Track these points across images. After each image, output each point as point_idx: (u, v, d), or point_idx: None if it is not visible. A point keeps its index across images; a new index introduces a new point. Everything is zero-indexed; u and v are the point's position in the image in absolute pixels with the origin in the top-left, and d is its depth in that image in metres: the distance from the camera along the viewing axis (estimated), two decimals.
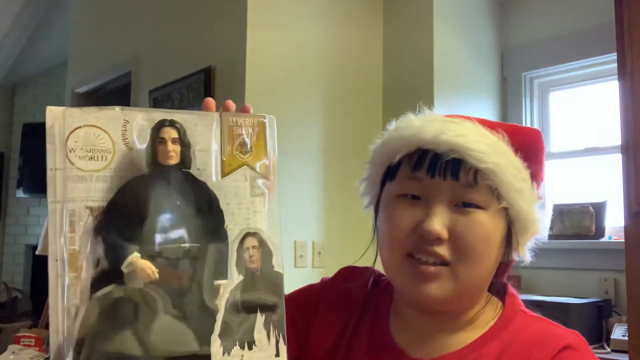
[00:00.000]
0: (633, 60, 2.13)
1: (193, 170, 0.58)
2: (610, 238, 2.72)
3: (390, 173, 0.80)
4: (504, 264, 0.82)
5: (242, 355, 0.57)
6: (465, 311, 0.80)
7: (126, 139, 0.56)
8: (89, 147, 0.54)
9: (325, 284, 0.92)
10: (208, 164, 0.58)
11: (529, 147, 0.79)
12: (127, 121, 0.56)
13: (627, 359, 2.08)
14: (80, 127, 0.55)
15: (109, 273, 0.54)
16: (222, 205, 0.58)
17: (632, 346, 2.06)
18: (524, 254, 0.81)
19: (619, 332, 2.31)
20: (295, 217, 2.74)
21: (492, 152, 0.75)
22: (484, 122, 0.79)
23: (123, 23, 3.64)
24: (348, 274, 0.93)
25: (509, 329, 0.79)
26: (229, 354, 0.56)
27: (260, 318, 0.58)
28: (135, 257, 0.54)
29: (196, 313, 0.55)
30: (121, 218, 0.54)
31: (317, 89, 2.88)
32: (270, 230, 0.59)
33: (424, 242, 0.74)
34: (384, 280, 0.92)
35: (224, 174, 0.59)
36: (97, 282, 0.53)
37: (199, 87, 2.84)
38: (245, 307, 0.58)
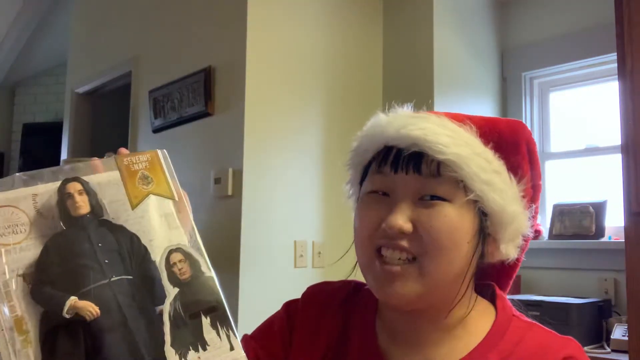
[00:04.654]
0: (633, 60, 2.13)
1: (107, 218, 0.63)
2: (610, 238, 2.72)
3: (362, 173, 0.80)
4: (508, 267, 0.80)
5: (199, 357, 0.60)
6: (441, 309, 0.77)
7: (38, 208, 0.61)
8: (6, 224, 0.59)
9: (293, 309, 0.90)
10: (121, 210, 0.63)
11: (503, 139, 0.77)
12: (36, 194, 0.62)
13: (627, 359, 2.08)
14: None
15: (55, 324, 0.58)
16: (144, 239, 0.63)
17: (632, 346, 2.06)
18: (509, 251, 0.77)
19: (619, 332, 2.31)
20: (295, 217, 2.74)
21: (453, 143, 0.73)
22: (455, 116, 0.78)
23: (123, 23, 3.64)
24: (316, 291, 0.91)
25: (506, 339, 0.77)
26: (185, 359, 0.60)
27: (205, 320, 0.62)
28: (73, 300, 0.58)
29: (145, 333, 0.59)
30: (51, 274, 0.59)
31: (316, 88, 2.88)
32: (191, 242, 0.65)
33: (388, 236, 0.73)
34: (366, 289, 0.89)
35: (133, 207, 0.64)
36: (46, 337, 0.57)
37: (199, 87, 2.84)
38: (189, 315, 0.61)
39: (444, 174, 0.73)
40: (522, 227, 0.77)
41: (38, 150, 5.24)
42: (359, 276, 0.90)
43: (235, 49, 2.70)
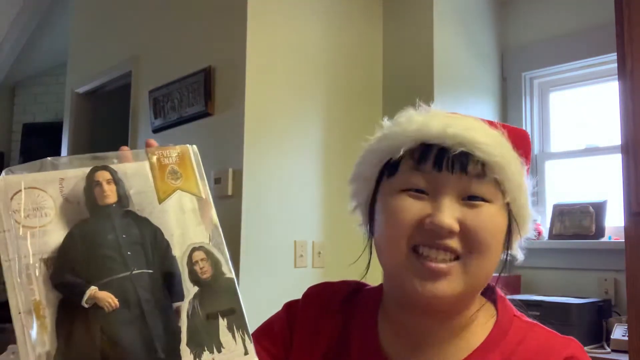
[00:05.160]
0: (633, 60, 2.13)
1: (132, 209, 0.63)
2: (610, 238, 2.72)
3: (389, 169, 0.78)
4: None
5: (213, 358, 0.60)
6: (462, 311, 0.78)
7: (64, 193, 0.61)
8: (32, 207, 0.59)
9: (293, 310, 0.89)
10: (146, 202, 0.63)
11: (518, 146, 0.79)
12: (63, 179, 0.61)
13: (627, 359, 2.08)
14: (19, 190, 0.59)
15: (72, 312, 0.57)
16: (166, 233, 0.62)
17: (632, 346, 2.06)
18: (517, 252, 0.80)
19: (619, 332, 2.31)
20: (295, 217, 2.74)
21: (497, 145, 0.75)
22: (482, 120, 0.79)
23: (123, 23, 3.64)
24: (317, 292, 0.91)
25: (507, 339, 0.78)
26: (200, 359, 0.59)
27: (222, 322, 0.61)
28: (93, 290, 0.58)
29: (161, 331, 0.59)
30: (73, 261, 0.59)
31: (317, 89, 2.88)
32: (213, 241, 0.64)
33: (433, 236, 0.72)
34: (367, 289, 0.90)
35: (160, 201, 0.64)
36: (62, 324, 0.57)
37: (199, 87, 2.84)
38: (206, 315, 0.61)
39: (488, 174, 0.74)
40: (529, 230, 0.80)
41: (38, 150, 5.24)
42: (370, 276, 0.89)
43: (235, 49, 2.70)
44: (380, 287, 0.88)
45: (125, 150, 0.65)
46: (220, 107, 2.78)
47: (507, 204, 0.76)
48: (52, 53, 5.25)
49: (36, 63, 5.49)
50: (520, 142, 0.79)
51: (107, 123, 4.12)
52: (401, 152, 0.75)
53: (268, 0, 2.75)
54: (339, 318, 0.86)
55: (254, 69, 2.65)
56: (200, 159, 0.68)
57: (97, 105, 4.16)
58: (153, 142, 0.68)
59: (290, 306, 0.91)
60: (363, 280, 0.92)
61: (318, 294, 0.90)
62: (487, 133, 0.75)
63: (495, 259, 0.76)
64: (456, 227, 0.72)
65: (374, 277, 0.86)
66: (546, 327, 0.80)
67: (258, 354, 0.84)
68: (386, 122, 0.81)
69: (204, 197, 0.66)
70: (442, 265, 0.72)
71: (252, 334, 0.88)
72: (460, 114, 0.79)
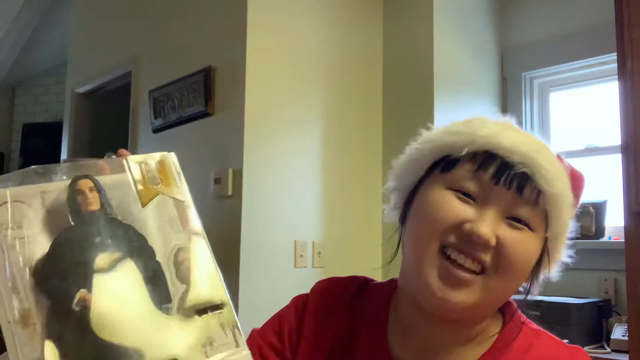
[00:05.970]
0: (633, 60, 2.13)
1: (115, 217, 0.64)
2: (610, 238, 2.72)
3: (445, 164, 0.77)
4: None
5: (205, 353, 0.61)
6: (476, 323, 0.78)
7: (46, 205, 0.62)
8: (18, 218, 0.60)
9: (301, 305, 0.89)
10: (127, 212, 0.64)
11: (573, 187, 0.78)
12: (44, 192, 0.62)
13: (627, 359, 2.08)
14: (6, 202, 0.60)
15: (63, 317, 0.58)
16: (150, 239, 0.64)
17: (632, 346, 2.06)
18: (535, 286, 0.80)
19: (619, 332, 2.31)
20: (295, 217, 2.74)
21: (560, 177, 0.74)
22: None
23: (123, 23, 3.64)
24: (325, 287, 0.90)
25: (514, 348, 0.78)
26: (192, 354, 0.60)
27: (212, 317, 0.63)
28: (83, 293, 0.58)
29: (152, 328, 0.60)
30: (60, 266, 0.59)
31: (316, 88, 2.88)
32: (197, 242, 0.66)
33: (468, 243, 0.72)
34: (376, 284, 0.89)
35: (143, 205, 0.65)
36: (52, 328, 0.57)
37: (199, 87, 2.84)
38: (196, 311, 0.63)
39: (541, 204, 0.73)
40: (552, 269, 0.81)
41: (38, 150, 5.24)
42: (375, 274, 0.89)
43: (235, 49, 2.70)
44: (390, 283, 0.87)
45: (101, 162, 0.66)
46: (220, 107, 2.78)
47: (546, 238, 0.76)
48: (52, 53, 5.25)
49: (36, 63, 5.49)
50: (575, 184, 0.78)
51: (107, 123, 4.12)
52: (464, 152, 0.74)
53: (268, 1, 2.75)
54: (347, 314, 0.86)
55: (254, 69, 2.65)
56: (178, 165, 0.69)
57: (97, 105, 4.16)
58: (125, 151, 0.69)
59: (298, 300, 0.90)
60: (370, 276, 0.92)
61: (327, 289, 0.90)
62: (554, 163, 0.75)
63: (517, 285, 0.76)
64: (493, 241, 0.71)
65: (377, 274, 0.86)
66: (553, 336, 0.80)
67: (264, 349, 0.84)
68: (452, 121, 0.80)
69: (184, 200, 0.67)
70: (467, 276, 0.72)
71: (259, 329, 0.89)
72: (532, 135, 0.78)
